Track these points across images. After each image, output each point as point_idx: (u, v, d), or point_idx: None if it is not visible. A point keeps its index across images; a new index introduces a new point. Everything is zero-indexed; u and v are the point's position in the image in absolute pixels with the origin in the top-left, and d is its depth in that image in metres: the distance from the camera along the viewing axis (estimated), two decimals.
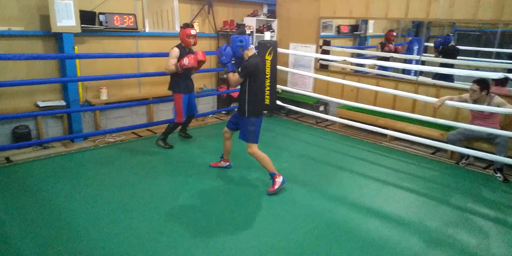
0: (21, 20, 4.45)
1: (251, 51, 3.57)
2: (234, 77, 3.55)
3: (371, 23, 6.55)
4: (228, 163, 4.18)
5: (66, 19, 4.46)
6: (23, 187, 3.58)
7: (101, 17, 4.98)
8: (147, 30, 5.56)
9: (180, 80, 4.59)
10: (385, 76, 5.78)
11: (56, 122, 4.89)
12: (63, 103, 4.75)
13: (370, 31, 6.70)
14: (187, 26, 4.44)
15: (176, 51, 4.44)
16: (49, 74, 4.75)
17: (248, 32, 3.82)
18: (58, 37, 4.64)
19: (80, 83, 4.82)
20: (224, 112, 6.66)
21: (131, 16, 5.26)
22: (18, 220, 3.01)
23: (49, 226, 2.93)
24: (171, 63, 4.43)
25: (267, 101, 6.47)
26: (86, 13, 4.79)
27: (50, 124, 4.85)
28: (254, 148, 3.65)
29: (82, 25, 4.63)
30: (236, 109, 3.85)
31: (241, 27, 3.71)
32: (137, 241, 2.77)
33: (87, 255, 2.59)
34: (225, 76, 3.66)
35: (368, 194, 3.70)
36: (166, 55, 5.61)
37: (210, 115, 6.45)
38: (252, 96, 3.59)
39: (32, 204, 3.26)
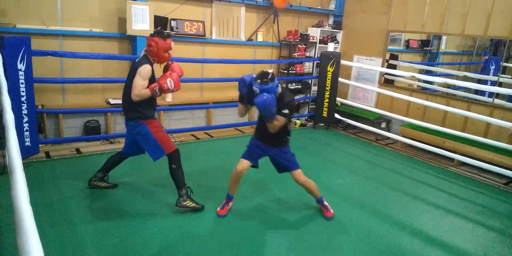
0: (101, 22, 4.79)
1: (279, 89, 3.01)
2: (280, 122, 2.96)
3: (444, 38, 6.19)
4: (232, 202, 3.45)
5: (141, 23, 4.72)
6: (90, 178, 3.79)
7: (173, 23, 5.21)
8: (213, 37, 5.72)
9: (150, 102, 3.14)
10: (456, 95, 5.41)
11: (123, 119, 5.13)
12: None
13: (443, 47, 6.32)
14: (167, 36, 3.07)
15: (149, 70, 3.00)
16: (122, 74, 5.04)
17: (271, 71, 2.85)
18: (132, 40, 4.92)
19: None
20: None
21: (200, 23, 5.45)
22: (84, 207, 3.21)
23: (109, 216, 3.08)
24: (142, 86, 2.96)
25: (324, 114, 6.35)
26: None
27: (118, 121, 5.14)
28: (303, 174, 3.22)
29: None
30: (261, 142, 3.19)
31: (265, 72, 2.89)
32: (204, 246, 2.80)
33: (141, 248, 2.67)
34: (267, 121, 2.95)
35: (430, 222, 3.44)
36: (230, 62, 5.78)
37: None
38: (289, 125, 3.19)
39: (97, 194, 3.47)
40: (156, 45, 2.99)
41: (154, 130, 3.12)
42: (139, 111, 3.08)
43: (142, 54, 3.08)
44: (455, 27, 5.27)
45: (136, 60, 3.06)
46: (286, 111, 2.96)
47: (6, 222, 2.85)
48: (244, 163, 3.18)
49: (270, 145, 3.17)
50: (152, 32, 3.07)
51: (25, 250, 0.98)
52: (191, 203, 3.21)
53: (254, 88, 2.87)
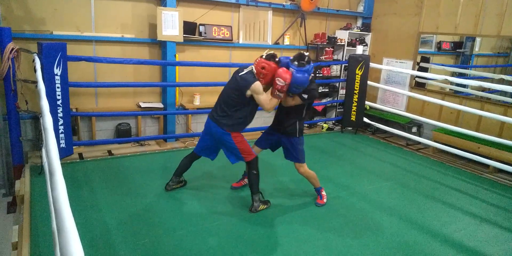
0: (133, 28, 4.92)
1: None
2: (294, 101, 3.27)
3: (478, 40, 5.96)
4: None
5: (171, 28, 4.82)
6: (121, 179, 3.91)
7: (201, 28, 5.29)
8: (240, 41, 5.76)
9: (250, 115, 3.37)
10: (491, 99, 5.19)
11: (153, 122, 5.31)
12: (161, 105, 5.12)
13: (477, 49, 6.10)
14: (279, 62, 3.16)
15: (260, 85, 3.14)
16: (152, 78, 5.17)
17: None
18: (162, 45, 5.03)
19: (177, 88, 5.15)
20: (306, 125, 6.59)
21: (227, 28, 5.51)
22: (116, 208, 3.28)
23: (140, 218, 3.14)
24: (266, 99, 3.17)
25: (353, 118, 6.25)
26: (189, 24, 5.12)
27: (148, 124, 5.27)
28: (306, 167, 3.55)
29: (184, 35, 4.95)
30: (274, 129, 3.54)
31: (302, 54, 3.10)
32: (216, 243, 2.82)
33: (172, 249, 2.70)
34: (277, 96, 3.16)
35: (464, 230, 3.31)
36: None
37: None
38: (307, 117, 3.46)
39: (127, 195, 3.55)
40: (270, 69, 3.09)
41: (237, 141, 3.33)
42: (231, 122, 3.28)
43: (247, 70, 3.18)
44: (490, 28, 5.07)
45: (241, 74, 3.18)
46: (305, 96, 3.22)
47: (42, 220, 2.96)
48: (255, 148, 3.64)
49: (280, 132, 3.47)
50: (266, 55, 3.13)
51: (66, 250, 1.01)
52: (263, 206, 3.46)
53: (291, 69, 3.05)
